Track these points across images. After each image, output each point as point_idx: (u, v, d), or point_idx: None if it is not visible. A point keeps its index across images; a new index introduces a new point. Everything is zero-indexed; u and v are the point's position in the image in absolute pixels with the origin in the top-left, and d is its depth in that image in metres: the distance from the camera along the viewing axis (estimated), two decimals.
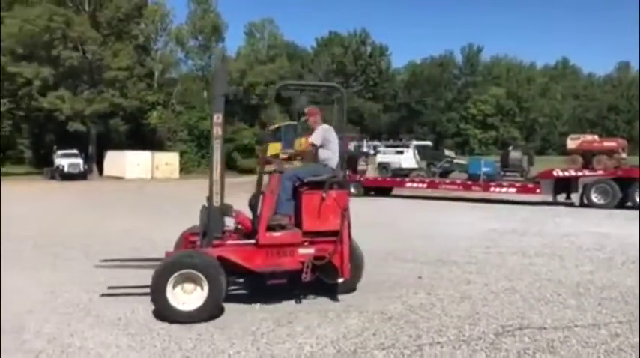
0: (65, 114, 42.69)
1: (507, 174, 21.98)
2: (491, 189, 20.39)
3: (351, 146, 26.47)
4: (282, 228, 5.65)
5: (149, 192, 26.76)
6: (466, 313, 5.52)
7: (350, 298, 6.05)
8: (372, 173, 25.55)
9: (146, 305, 5.61)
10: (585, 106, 78.50)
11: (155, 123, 50.18)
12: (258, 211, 5.75)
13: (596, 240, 10.55)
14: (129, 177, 39.37)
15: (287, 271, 5.62)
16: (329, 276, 5.97)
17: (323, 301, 5.93)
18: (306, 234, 5.69)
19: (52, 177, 37.48)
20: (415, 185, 22.73)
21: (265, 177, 5.97)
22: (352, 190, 23.48)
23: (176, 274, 5.03)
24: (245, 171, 46.33)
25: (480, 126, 73.89)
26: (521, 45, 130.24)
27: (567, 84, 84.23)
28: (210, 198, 5.56)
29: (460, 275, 7.40)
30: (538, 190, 19.20)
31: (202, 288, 5.10)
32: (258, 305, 5.72)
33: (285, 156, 6.49)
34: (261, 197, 5.80)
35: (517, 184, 20.19)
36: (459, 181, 22.34)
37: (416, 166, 26.80)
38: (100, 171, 44.38)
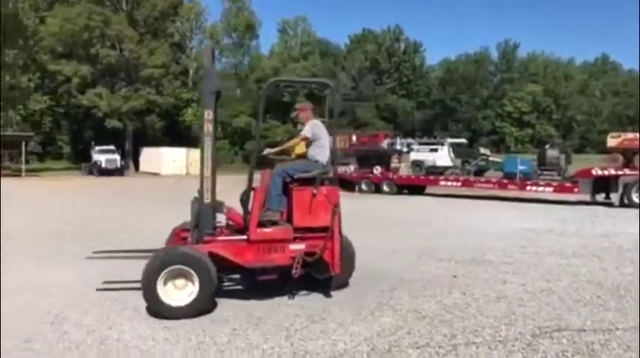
0: (103, 111, 43.65)
1: (544, 172, 21.53)
2: (528, 188, 20.03)
3: (384, 144, 26.29)
4: (273, 223, 5.66)
5: (185, 187, 27.07)
6: (502, 313, 5.43)
7: (383, 296, 6.02)
8: (405, 171, 25.36)
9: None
10: (625, 103, 76.30)
11: (190, 121, 50.87)
12: (249, 207, 5.76)
13: (638, 241, 10.24)
14: (164, 173, 39.98)
15: (278, 267, 5.62)
16: (319, 272, 5.95)
17: (355, 298, 5.91)
18: (297, 229, 5.70)
19: (90, 173, 38.36)
20: (449, 183, 22.52)
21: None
22: (385, 188, 23.42)
23: (167, 270, 5.04)
24: None
25: (516, 123, 72.64)
26: (559, 41, 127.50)
27: (607, 80, 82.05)
28: (200, 195, 5.56)
29: (495, 275, 7.28)
30: (576, 189, 18.78)
31: (193, 284, 5.11)
32: (290, 301, 5.74)
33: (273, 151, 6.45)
34: (252, 193, 5.81)
35: (554, 183, 19.77)
36: (494, 180, 22.03)
37: (450, 164, 26.48)
38: (136, 167, 45.25)
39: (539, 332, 4.83)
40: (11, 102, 39.58)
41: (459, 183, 22.40)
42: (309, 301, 5.78)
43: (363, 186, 24.48)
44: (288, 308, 5.52)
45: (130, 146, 45.95)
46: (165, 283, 5.06)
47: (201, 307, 5.13)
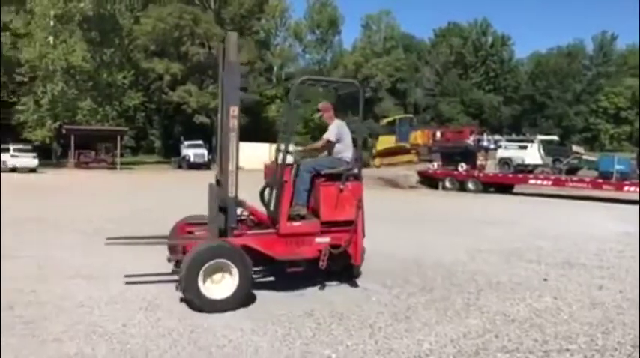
0: (192, 107, 45.45)
1: None
2: (625, 188, 18.88)
3: (470, 140, 25.60)
4: (301, 218, 5.79)
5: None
6: (598, 320, 5.13)
7: (470, 297, 5.86)
8: (492, 169, 24.60)
9: (269, 292, 5.81)
10: None
11: (273, 116, 51.90)
12: (274, 202, 5.84)
13: None
14: (248, 168, 40.88)
15: (305, 259, 5.77)
16: (335, 263, 5.99)
17: (441, 298, 5.79)
18: (323, 223, 5.83)
19: (179, 166, 40.05)
20: (539, 182, 21.63)
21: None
22: (470, 186, 22.83)
23: (207, 264, 5.09)
24: None
25: (612, 120, 68.42)
26: None
27: None
28: (225, 190, 5.56)
29: (590, 279, 6.89)
30: None
31: (232, 277, 5.16)
32: (374, 298, 5.72)
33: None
34: (278, 188, 5.84)
35: None
36: (588, 179, 20.92)
37: (540, 162, 25.31)
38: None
39: None
40: (108, 98, 42.00)
41: (550, 182, 21.44)
42: (392, 299, 5.72)
43: (447, 184, 23.98)
44: (372, 305, 5.49)
45: (217, 141, 47.50)
46: (205, 277, 5.10)
47: (240, 300, 5.21)
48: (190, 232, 6.24)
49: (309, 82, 6.95)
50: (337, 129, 6.23)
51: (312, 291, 5.90)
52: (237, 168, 5.60)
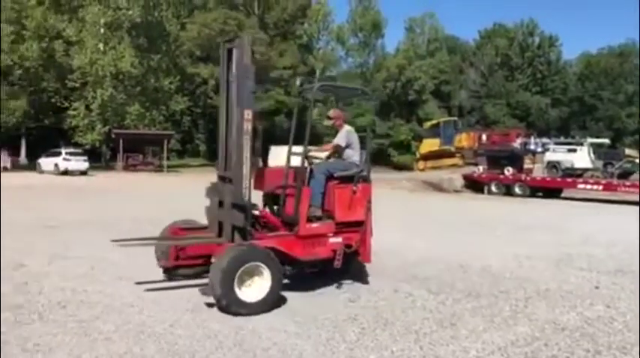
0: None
1: None
2: None
3: (517, 143, 25.06)
4: (318, 219, 5.91)
5: None
6: None
7: (518, 305, 5.72)
8: (539, 172, 24.03)
9: (310, 295, 5.82)
10: None
11: (315, 120, 52.04)
12: (295, 204, 5.85)
13: None
14: None
15: (322, 260, 5.92)
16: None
17: (488, 305, 5.67)
18: (337, 224, 5.99)
19: None
20: (589, 186, 20.98)
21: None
22: (517, 190, 22.35)
23: (243, 267, 5.10)
24: (400, 168, 46.26)
25: None
26: None
27: None
28: (238, 193, 5.56)
29: None
30: None
31: (264, 280, 5.18)
32: (419, 304, 5.65)
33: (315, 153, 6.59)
34: (297, 191, 5.88)
35: None
36: None
37: (590, 166, 24.53)
38: (265, 164, 47.26)
39: None
40: (155, 103, 43.01)
41: (600, 187, 20.77)
42: (438, 305, 5.65)
43: (493, 188, 23.55)
44: (417, 311, 5.43)
45: (260, 144, 48.07)
46: (240, 280, 5.10)
47: (272, 302, 5.23)
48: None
49: (325, 87, 7.22)
50: (347, 134, 6.43)
51: (354, 296, 5.88)
52: (250, 171, 5.68)
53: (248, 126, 5.59)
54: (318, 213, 5.95)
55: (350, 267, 6.35)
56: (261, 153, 48.29)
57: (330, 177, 6.11)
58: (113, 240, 6.13)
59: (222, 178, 6.04)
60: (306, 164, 6.18)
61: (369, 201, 6.21)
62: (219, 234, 5.90)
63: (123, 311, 5.14)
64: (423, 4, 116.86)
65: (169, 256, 6.06)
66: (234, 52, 5.81)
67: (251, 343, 4.39)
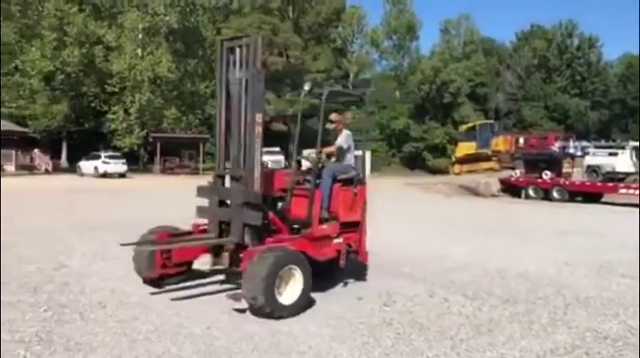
0: (270, 114, 46.38)
1: None
2: None
3: (555, 146, 24.54)
4: (326, 220, 6.01)
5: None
6: None
7: (557, 312, 5.60)
8: (578, 177, 23.47)
9: (341, 299, 5.82)
10: None
11: (348, 123, 52.02)
12: (308, 207, 5.88)
13: None
14: None
15: (329, 260, 6.02)
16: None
17: (526, 312, 5.57)
18: (341, 225, 6.13)
19: None
20: (631, 191, 20.37)
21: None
22: (555, 195, 21.89)
23: (282, 271, 5.14)
24: (436, 171, 45.80)
25: None
26: None
27: None
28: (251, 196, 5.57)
29: None
30: None
31: (297, 282, 5.24)
32: (455, 309, 5.59)
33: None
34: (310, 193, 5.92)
35: None
36: None
37: (633, 170, 23.79)
38: (299, 167, 47.58)
39: None
40: (191, 107, 43.62)
41: None
42: (474, 311, 5.57)
43: (531, 192, 23.13)
44: (453, 316, 5.37)
45: (294, 148, 48.25)
46: (278, 284, 5.12)
47: (304, 304, 5.28)
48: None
49: (333, 93, 7.19)
50: (346, 137, 6.58)
51: (389, 300, 5.85)
52: (261, 174, 5.71)
53: (259, 129, 5.66)
54: (326, 214, 6.03)
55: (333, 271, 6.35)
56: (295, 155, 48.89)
57: (334, 180, 6.17)
58: (122, 244, 5.96)
59: (220, 177, 6.07)
60: (304, 166, 6.28)
61: (365, 203, 6.41)
62: (220, 235, 5.87)
63: (161, 312, 5.22)
64: (458, 6, 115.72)
65: (155, 265, 5.86)
66: (243, 53, 5.80)
67: (287, 346, 4.42)
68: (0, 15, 35.31)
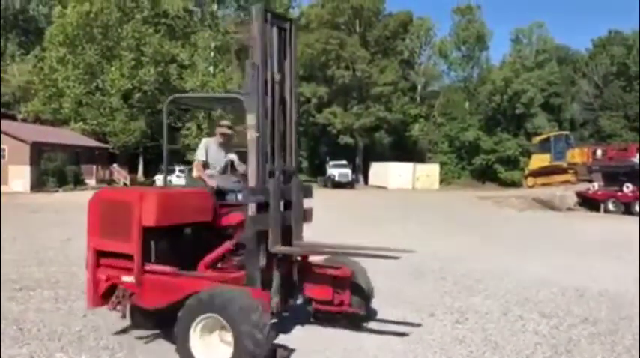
0: (337, 128, 46.75)
1: None
2: None
3: (636, 158, 23.26)
4: None
5: (413, 199, 27.40)
6: None
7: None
8: None
9: (416, 313, 5.74)
10: None
11: (417, 136, 51.62)
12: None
13: None
14: (391, 188, 41.16)
15: None
16: None
17: (608, 332, 5.30)
18: None
19: (325, 185, 41.25)
20: None
21: None
22: (637, 209, 20.90)
23: None
24: (508, 184, 44.50)
25: None
26: None
27: None
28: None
29: None
30: None
31: None
32: (531, 327, 5.40)
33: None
34: None
35: None
36: None
37: None
38: (366, 180, 47.50)
39: None
40: None
41: None
42: (551, 330, 5.36)
43: (610, 206, 22.05)
44: (528, 335, 5.19)
45: (361, 161, 48.38)
46: None
47: None
48: None
49: (177, 99, 6.69)
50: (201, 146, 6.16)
51: (462, 317, 5.73)
52: None
53: None
54: None
55: None
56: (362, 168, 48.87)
57: None
58: None
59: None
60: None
61: None
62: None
63: None
64: (530, 14, 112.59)
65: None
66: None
67: None
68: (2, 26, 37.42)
